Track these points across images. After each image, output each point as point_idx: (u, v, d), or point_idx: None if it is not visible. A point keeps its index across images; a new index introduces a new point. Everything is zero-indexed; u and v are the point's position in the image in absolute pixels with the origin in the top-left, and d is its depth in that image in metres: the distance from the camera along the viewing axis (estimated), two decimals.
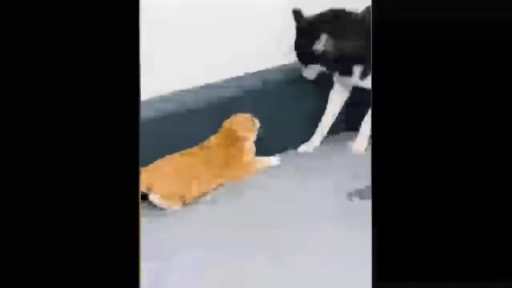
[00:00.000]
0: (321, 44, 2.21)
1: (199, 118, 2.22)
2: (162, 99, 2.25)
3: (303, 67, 2.35)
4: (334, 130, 2.49)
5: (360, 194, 1.99)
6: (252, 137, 2.23)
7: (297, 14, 2.28)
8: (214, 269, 1.66)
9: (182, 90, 2.31)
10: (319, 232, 1.80)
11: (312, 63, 2.30)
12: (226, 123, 2.20)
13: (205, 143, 2.16)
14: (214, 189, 2.11)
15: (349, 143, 2.42)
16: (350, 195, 2.01)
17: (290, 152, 2.43)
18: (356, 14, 2.28)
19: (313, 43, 2.23)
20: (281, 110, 2.40)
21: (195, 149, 2.13)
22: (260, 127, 2.24)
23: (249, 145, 2.23)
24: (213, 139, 2.18)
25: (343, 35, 2.22)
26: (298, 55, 2.32)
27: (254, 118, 2.24)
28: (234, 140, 2.18)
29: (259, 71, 2.47)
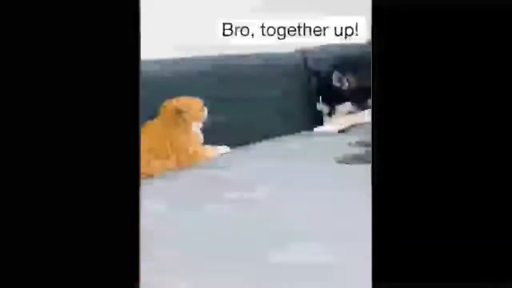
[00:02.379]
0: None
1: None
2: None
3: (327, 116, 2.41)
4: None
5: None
6: (200, 121, 1.96)
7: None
8: None
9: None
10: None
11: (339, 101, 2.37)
12: (170, 103, 1.92)
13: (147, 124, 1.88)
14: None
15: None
16: None
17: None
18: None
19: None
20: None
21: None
22: (209, 112, 1.96)
23: (196, 131, 1.96)
24: (150, 123, 1.89)
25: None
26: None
27: (202, 103, 1.97)
28: (179, 122, 1.91)
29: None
